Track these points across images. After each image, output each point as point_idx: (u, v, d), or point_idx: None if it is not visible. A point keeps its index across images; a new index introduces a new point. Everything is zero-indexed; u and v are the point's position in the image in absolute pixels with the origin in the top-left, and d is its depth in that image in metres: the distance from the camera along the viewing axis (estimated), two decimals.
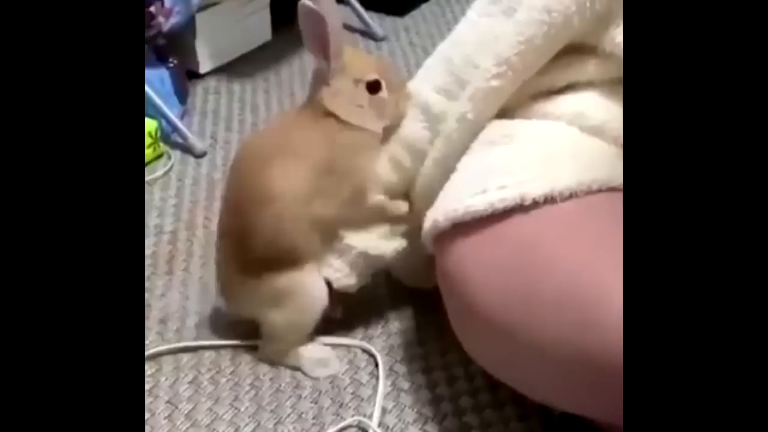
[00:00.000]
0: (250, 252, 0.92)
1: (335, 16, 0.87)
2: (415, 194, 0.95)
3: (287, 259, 0.92)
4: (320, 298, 0.95)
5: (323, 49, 0.88)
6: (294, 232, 0.91)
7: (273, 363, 0.99)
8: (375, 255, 0.96)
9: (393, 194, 0.95)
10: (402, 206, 0.95)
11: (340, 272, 0.96)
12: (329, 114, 0.90)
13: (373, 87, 0.91)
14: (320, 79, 0.91)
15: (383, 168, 0.94)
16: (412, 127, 0.93)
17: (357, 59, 0.92)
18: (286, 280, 0.93)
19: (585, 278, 0.70)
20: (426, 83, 0.92)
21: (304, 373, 0.98)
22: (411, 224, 0.95)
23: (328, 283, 0.96)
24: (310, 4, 0.85)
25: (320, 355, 0.99)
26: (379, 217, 0.95)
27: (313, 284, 0.94)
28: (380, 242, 0.96)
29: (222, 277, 0.99)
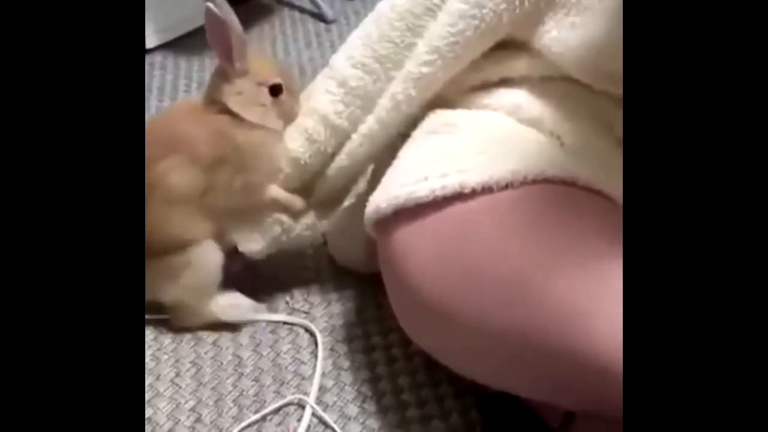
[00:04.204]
0: None
1: (237, 23, 0.92)
2: (339, 169, 0.97)
3: (175, 245, 0.95)
4: (214, 260, 0.98)
5: (227, 52, 0.92)
6: (183, 223, 0.94)
7: (190, 329, 1.01)
8: (288, 226, 0.99)
9: (305, 170, 0.98)
10: (297, 202, 0.99)
11: (247, 237, 0.99)
12: (225, 111, 0.93)
13: (275, 90, 0.95)
14: (222, 78, 0.94)
15: (296, 142, 0.96)
16: (326, 100, 0.95)
17: (260, 64, 0.96)
18: (175, 258, 0.96)
19: (519, 263, 0.73)
20: (345, 58, 0.94)
21: (230, 324, 1.01)
22: (333, 202, 1.01)
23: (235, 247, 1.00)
24: (215, 9, 0.89)
25: (231, 300, 1.01)
26: (276, 208, 0.99)
27: (203, 251, 0.97)
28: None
29: None
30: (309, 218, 1.01)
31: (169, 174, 0.92)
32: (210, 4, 0.89)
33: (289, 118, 0.96)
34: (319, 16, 1.78)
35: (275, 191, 0.97)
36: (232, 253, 1.01)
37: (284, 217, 0.99)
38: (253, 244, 0.99)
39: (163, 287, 0.97)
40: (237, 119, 0.93)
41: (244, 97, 0.93)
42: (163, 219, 0.93)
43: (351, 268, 1.10)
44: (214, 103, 0.94)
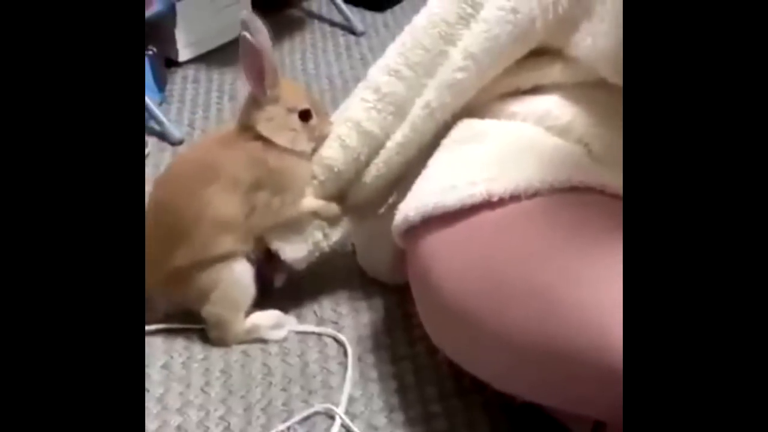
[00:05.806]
0: (176, 263, 0.97)
1: (270, 52, 0.95)
2: (377, 177, 0.98)
3: (220, 262, 0.98)
4: (248, 276, 1.00)
5: (260, 80, 0.95)
6: (229, 243, 0.98)
7: (228, 345, 1.02)
8: (328, 231, 1.01)
9: (339, 177, 0.99)
10: (333, 207, 1.01)
11: (290, 245, 1.00)
12: (258, 137, 0.97)
13: (305, 115, 0.98)
14: (254, 105, 0.97)
15: (330, 149, 0.98)
16: (360, 107, 0.97)
17: (290, 91, 0.99)
18: (213, 272, 0.98)
19: (545, 272, 0.73)
20: (380, 67, 0.97)
21: (266, 340, 1.02)
22: (370, 208, 1.02)
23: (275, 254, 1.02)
24: (251, 38, 0.92)
25: (273, 319, 1.03)
26: (314, 217, 1.01)
27: (235, 265, 0.99)
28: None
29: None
30: (345, 224, 1.03)
31: (214, 201, 0.96)
32: (246, 33, 0.92)
33: (319, 140, 0.99)
34: (349, 29, 1.79)
35: (310, 203, 1.00)
36: (275, 268, 1.04)
37: (324, 223, 1.01)
38: (296, 251, 1.01)
39: (204, 300, 0.99)
40: (269, 144, 0.96)
41: (275, 123, 0.97)
42: (211, 242, 0.96)
43: (379, 279, 1.10)
44: (248, 129, 0.97)
